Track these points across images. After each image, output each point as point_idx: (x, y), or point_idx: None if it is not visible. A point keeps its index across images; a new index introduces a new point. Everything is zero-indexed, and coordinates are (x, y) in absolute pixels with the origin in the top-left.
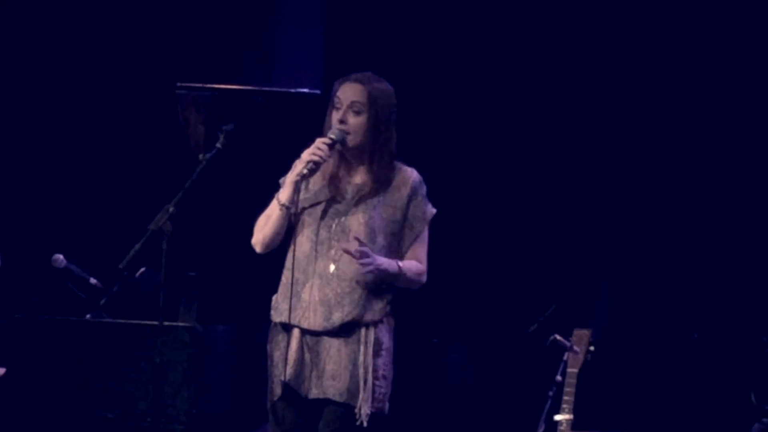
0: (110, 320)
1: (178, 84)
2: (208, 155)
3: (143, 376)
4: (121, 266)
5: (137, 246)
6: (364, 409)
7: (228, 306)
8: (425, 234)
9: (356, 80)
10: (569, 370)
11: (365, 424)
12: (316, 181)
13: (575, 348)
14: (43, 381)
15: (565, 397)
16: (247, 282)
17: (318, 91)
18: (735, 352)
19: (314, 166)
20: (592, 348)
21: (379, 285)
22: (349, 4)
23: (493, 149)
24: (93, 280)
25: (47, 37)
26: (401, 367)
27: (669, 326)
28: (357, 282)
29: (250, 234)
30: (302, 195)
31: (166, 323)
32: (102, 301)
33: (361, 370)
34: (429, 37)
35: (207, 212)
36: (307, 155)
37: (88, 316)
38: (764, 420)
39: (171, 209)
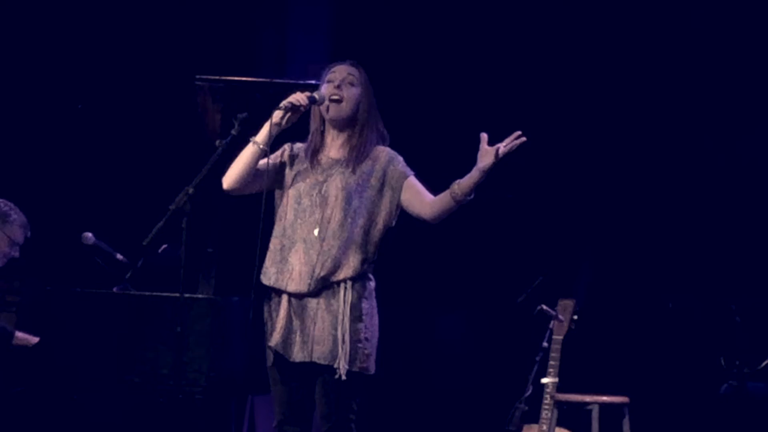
0: (135, 293)
1: (197, 76)
2: (224, 141)
3: (166, 343)
4: (145, 243)
5: (160, 224)
6: (342, 364)
7: (243, 279)
8: (418, 184)
9: (350, 63)
10: (555, 337)
11: (344, 377)
12: (301, 160)
13: (560, 317)
14: (74, 349)
15: (551, 362)
16: (260, 257)
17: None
18: (706, 319)
19: (291, 106)
20: (575, 317)
21: (356, 244)
22: (355, 2)
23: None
24: (119, 256)
25: (80, 34)
26: (401, 333)
27: (646, 296)
28: (333, 241)
29: (262, 213)
30: (288, 174)
31: (186, 295)
32: (127, 275)
33: (339, 331)
34: (427, 29)
35: (223, 194)
36: (286, 101)
37: (115, 288)
38: (732, 382)
39: (191, 191)
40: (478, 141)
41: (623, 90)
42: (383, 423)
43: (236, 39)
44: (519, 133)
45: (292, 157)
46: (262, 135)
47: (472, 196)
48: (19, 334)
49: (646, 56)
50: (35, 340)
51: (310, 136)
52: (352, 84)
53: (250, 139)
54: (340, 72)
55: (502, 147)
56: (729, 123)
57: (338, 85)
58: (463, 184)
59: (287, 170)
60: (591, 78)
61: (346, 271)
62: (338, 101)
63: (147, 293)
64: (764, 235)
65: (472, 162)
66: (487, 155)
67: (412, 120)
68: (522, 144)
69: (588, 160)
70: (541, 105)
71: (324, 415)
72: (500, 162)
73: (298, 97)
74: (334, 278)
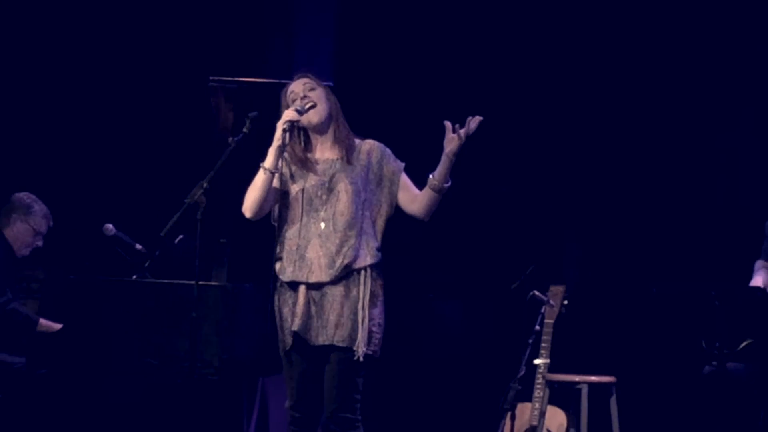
0: (153, 281)
1: (211, 77)
2: (236, 138)
3: (182, 328)
4: (162, 234)
5: (176, 216)
6: (361, 348)
7: (254, 267)
8: (408, 180)
9: (299, 75)
10: (546, 321)
11: (362, 359)
12: (297, 169)
13: (551, 302)
14: (96, 333)
15: (543, 344)
16: (270, 247)
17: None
18: (688, 304)
19: (291, 124)
20: (565, 302)
21: (368, 234)
22: (358, 6)
23: (487, 139)
24: (138, 246)
25: (103, 40)
26: (403, 318)
27: (631, 283)
28: (349, 232)
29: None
30: (290, 182)
31: (201, 283)
32: (146, 264)
33: (360, 316)
34: (428, 31)
35: (235, 187)
36: (281, 123)
37: (134, 277)
38: (713, 363)
39: (205, 185)
40: (475, 135)
41: (605, 80)
42: (387, 403)
43: (247, 43)
44: (478, 117)
45: (288, 167)
46: (270, 161)
47: (449, 183)
48: (42, 321)
49: (628, 47)
50: (58, 326)
51: (291, 151)
52: (312, 89)
53: (261, 166)
54: (296, 86)
55: (464, 130)
56: (711, 117)
57: (303, 96)
58: (438, 173)
59: (288, 179)
60: (575, 69)
61: (365, 260)
62: (314, 106)
63: (164, 281)
64: (741, 226)
65: (467, 150)
66: (452, 140)
67: (419, 119)
68: (517, 140)
69: (578, 157)
70: (534, 101)
71: (332, 396)
72: (465, 145)
73: (290, 115)
74: (356, 266)
